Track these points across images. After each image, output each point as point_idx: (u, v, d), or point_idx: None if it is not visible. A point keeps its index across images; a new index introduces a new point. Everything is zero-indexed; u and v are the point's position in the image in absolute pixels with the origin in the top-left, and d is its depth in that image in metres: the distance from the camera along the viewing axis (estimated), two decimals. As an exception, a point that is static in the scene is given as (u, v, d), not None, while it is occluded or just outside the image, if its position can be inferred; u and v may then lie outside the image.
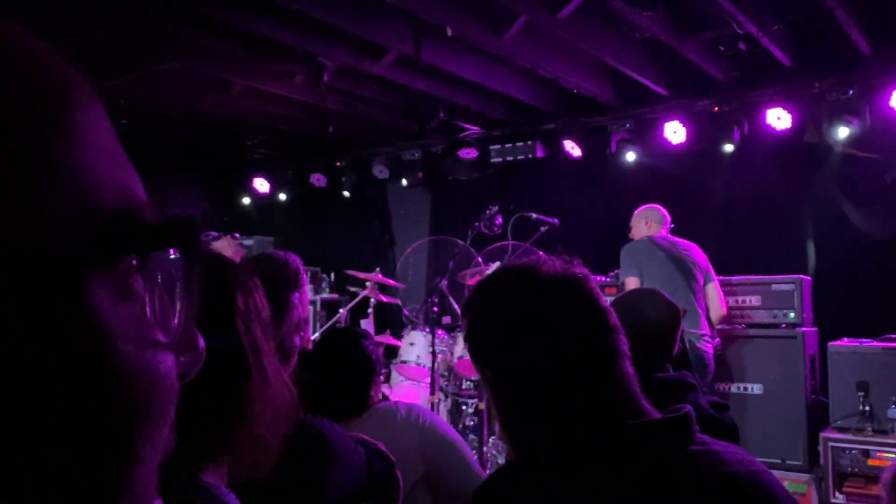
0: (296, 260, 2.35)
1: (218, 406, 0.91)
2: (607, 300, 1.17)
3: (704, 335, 4.47)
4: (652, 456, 1.01)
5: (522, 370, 1.11)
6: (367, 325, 6.48)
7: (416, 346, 5.23)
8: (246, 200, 8.35)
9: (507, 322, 1.13)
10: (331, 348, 2.29)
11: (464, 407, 5.08)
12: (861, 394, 4.30)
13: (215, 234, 7.64)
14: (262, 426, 0.97)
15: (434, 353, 4.56)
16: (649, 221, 4.81)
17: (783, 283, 4.83)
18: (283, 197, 8.03)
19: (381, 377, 2.29)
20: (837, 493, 4.25)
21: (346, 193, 7.56)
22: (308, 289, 2.71)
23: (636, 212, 4.91)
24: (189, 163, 8.11)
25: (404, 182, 7.25)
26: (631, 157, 5.96)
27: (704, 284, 4.64)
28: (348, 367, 2.19)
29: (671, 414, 1.05)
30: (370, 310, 6.36)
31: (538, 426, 1.09)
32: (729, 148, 5.53)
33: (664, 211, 4.86)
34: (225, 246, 6.01)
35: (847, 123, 4.95)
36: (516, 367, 1.11)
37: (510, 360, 1.12)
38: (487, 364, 1.16)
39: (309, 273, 7.02)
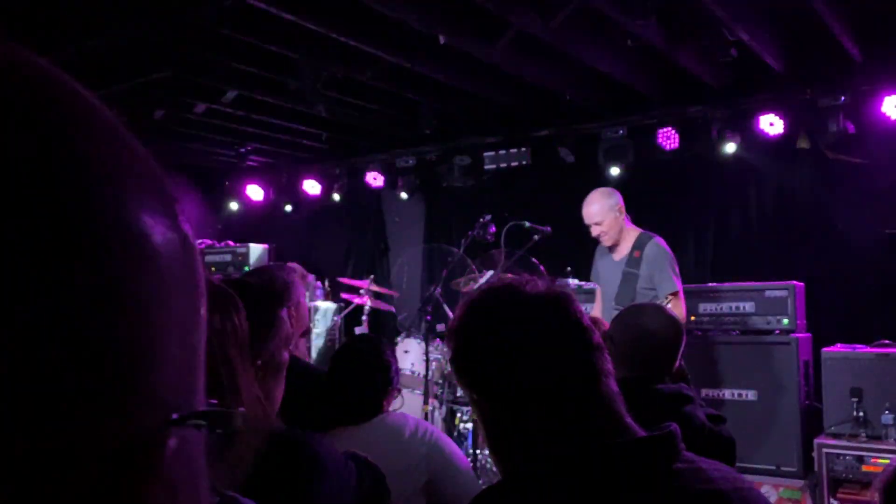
0: (288, 273, 2.37)
1: None
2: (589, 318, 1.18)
3: None
4: (637, 474, 1.00)
5: (508, 391, 1.11)
6: (361, 332, 6.47)
7: (410, 354, 5.23)
8: (239, 208, 8.33)
9: (493, 344, 1.14)
10: (353, 353, 2.39)
11: (458, 414, 5.07)
12: (855, 400, 4.30)
13: (210, 242, 7.64)
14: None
15: (428, 361, 4.55)
16: None
17: (777, 290, 4.84)
18: (276, 204, 8.02)
19: (398, 390, 2.36)
20: (832, 500, 4.25)
21: (339, 199, 7.56)
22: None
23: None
24: (182, 170, 8.10)
25: (398, 190, 7.24)
26: (624, 164, 5.97)
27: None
28: (367, 373, 2.27)
29: (656, 432, 1.05)
30: (364, 317, 6.36)
31: (524, 446, 1.09)
32: (721, 154, 5.55)
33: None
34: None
35: (838, 129, 4.97)
36: (502, 388, 1.11)
37: (496, 382, 1.12)
38: (474, 386, 1.16)
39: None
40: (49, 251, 0.30)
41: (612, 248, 4.43)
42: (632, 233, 4.42)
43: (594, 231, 4.40)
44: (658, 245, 4.33)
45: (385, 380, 2.30)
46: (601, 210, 4.35)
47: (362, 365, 2.29)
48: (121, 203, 0.33)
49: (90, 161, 0.33)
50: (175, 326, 0.35)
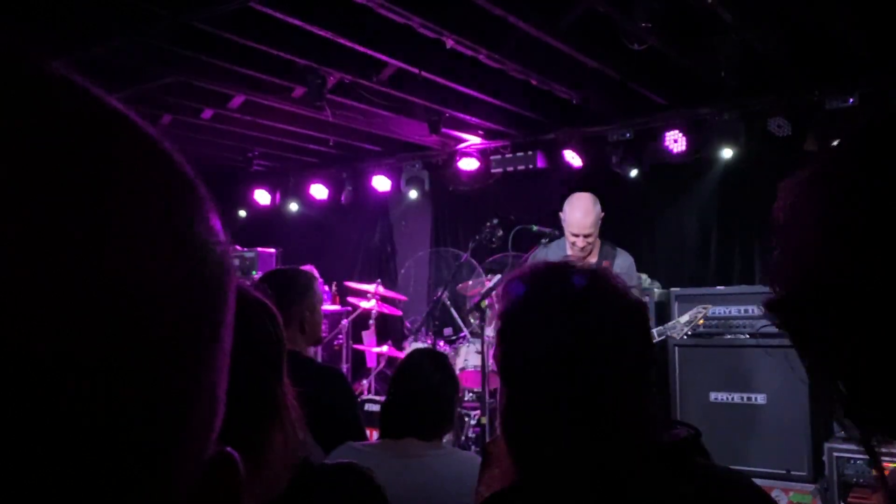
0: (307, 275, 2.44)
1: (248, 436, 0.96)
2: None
3: None
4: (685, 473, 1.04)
5: (558, 392, 1.08)
6: (368, 336, 6.48)
7: (417, 358, 5.22)
8: (247, 213, 8.35)
9: (551, 344, 1.10)
10: (416, 368, 2.38)
11: (466, 418, 5.06)
12: (865, 403, 4.27)
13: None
14: (275, 456, 1.00)
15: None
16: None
17: (786, 293, 4.80)
18: (283, 208, 8.03)
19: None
20: (843, 504, 4.22)
21: (347, 204, 7.56)
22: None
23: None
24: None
25: (405, 193, 7.25)
26: (631, 166, 5.96)
27: None
28: (433, 387, 2.29)
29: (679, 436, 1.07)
30: (371, 321, 6.36)
31: (563, 447, 1.07)
32: (730, 157, 5.52)
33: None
34: None
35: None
36: (550, 387, 1.09)
37: (544, 382, 1.09)
38: (518, 383, 1.13)
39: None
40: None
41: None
42: (597, 242, 4.20)
43: (581, 242, 4.06)
44: (628, 257, 4.22)
45: (451, 393, 2.34)
46: (595, 221, 4.10)
47: (425, 382, 2.31)
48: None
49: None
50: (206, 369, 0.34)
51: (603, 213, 4.17)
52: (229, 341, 0.36)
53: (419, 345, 5.37)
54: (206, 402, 0.33)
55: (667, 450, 1.07)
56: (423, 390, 2.27)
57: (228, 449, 0.36)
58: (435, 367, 2.37)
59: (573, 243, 4.13)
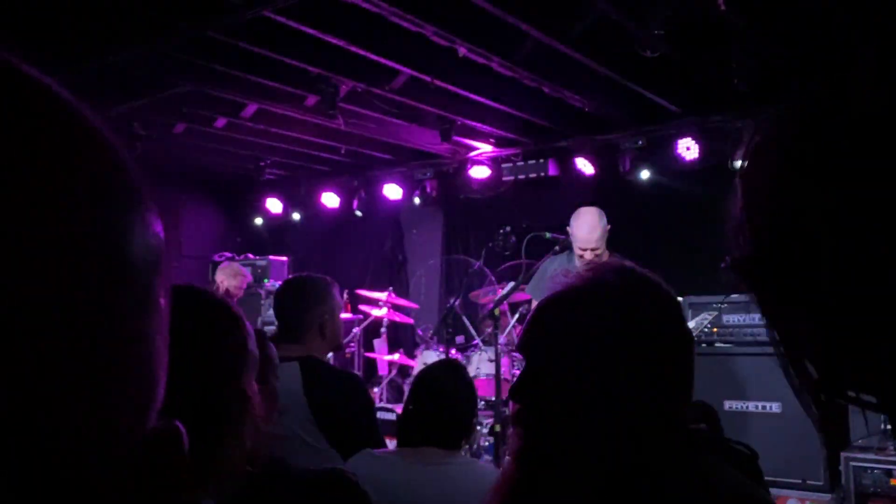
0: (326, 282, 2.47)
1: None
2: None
3: None
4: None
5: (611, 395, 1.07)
6: (379, 344, 6.48)
7: (430, 367, 5.21)
8: (259, 221, 8.38)
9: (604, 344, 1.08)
10: (436, 377, 2.37)
11: (478, 427, 5.04)
12: (882, 412, 4.23)
13: (229, 254, 7.68)
14: (226, 454, 1.03)
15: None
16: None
17: (800, 300, 4.77)
18: (295, 217, 8.06)
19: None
20: (860, 514, 4.17)
21: (359, 213, 7.58)
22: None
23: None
24: (202, 184, 8.16)
25: (417, 201, 7.26)
26: (644, 174, 5.95)
27: None
28: (453, 397, 2.28)
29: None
30: (383, 329, 6.36)
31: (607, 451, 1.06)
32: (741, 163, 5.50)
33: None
34: (224, 278, 6.05)
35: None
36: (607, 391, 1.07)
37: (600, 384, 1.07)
38: (566, 389, 1.09)
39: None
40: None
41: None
42: (605, 255, 4.17)
43: (588, 256, 4.07)
44: None
45: (471, 405, 2.34)
46: (602, 235, 4.12)
47: (445, 393, 2.30)
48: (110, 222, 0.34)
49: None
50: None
51: (609, 227, 4.18)
52: (164, 322, 0.37)
53: (431, 353, 5.36)
54: (136, 374, 0.35)
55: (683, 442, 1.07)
56: (442, 399, 2.26)
57: (176, 422, 0.38)
58: (455, 376, 2.36)
59: (581, 256, 4.14)
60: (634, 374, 1.05)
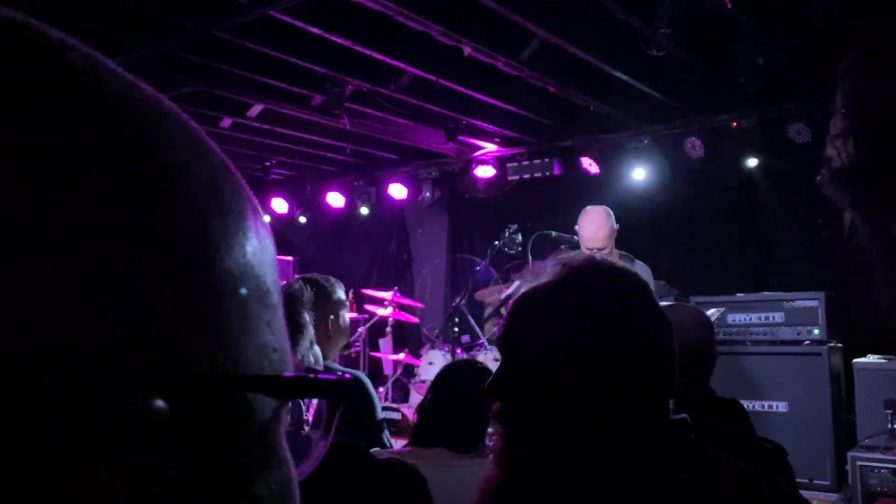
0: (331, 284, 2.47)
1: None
2: None
3: None
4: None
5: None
6: (385, 344, 6.48)
7: (434, 366, 5.21)
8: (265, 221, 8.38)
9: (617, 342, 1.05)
10: (457, 377, 2.34)
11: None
12: (889, 412, 4.22)
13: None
14: None
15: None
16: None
17: (807, 300, 4.77)
18: (301, 217, 8.06)
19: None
20: (867, 514, 4.16)
21: (364, 212, 7.58)
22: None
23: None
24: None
25: (422, 201, 7.26)
26: (649, 173, 5.94)
27: None
28: (472, 399, 2.21)
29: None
30: (388, 329, 6.36)
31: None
32: (748, 163, 5.49)
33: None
34: None
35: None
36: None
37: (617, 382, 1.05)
38: (574, 385, 1.06)
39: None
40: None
41: None
42: (614, 253, 4.17)
43: (595, 255, 4.12)
44: (645, 267, 4.17)
45: (486, 408, 2.30)
46: (609, 234, 4.13)
47: (463, 394, 2.25)
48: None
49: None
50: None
51: (617, 226, 4.18)
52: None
53: (436, 352, 5.36)
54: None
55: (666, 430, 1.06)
56: (461, 400, 2.23)
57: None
58: (475, 378, 2.30)
59: None
60: (613, 364, 1.03)
